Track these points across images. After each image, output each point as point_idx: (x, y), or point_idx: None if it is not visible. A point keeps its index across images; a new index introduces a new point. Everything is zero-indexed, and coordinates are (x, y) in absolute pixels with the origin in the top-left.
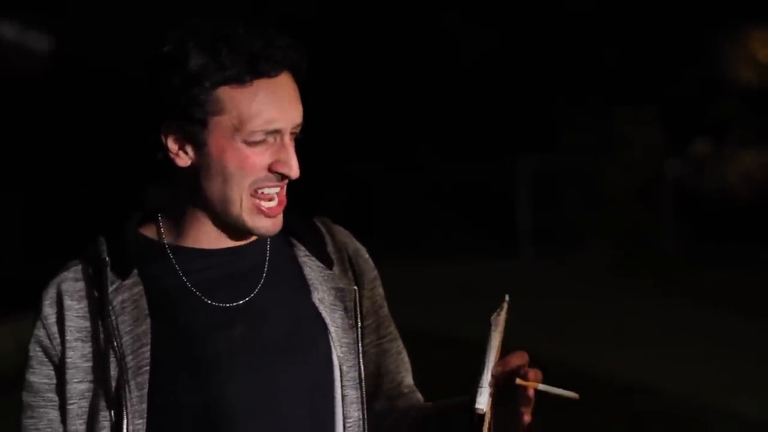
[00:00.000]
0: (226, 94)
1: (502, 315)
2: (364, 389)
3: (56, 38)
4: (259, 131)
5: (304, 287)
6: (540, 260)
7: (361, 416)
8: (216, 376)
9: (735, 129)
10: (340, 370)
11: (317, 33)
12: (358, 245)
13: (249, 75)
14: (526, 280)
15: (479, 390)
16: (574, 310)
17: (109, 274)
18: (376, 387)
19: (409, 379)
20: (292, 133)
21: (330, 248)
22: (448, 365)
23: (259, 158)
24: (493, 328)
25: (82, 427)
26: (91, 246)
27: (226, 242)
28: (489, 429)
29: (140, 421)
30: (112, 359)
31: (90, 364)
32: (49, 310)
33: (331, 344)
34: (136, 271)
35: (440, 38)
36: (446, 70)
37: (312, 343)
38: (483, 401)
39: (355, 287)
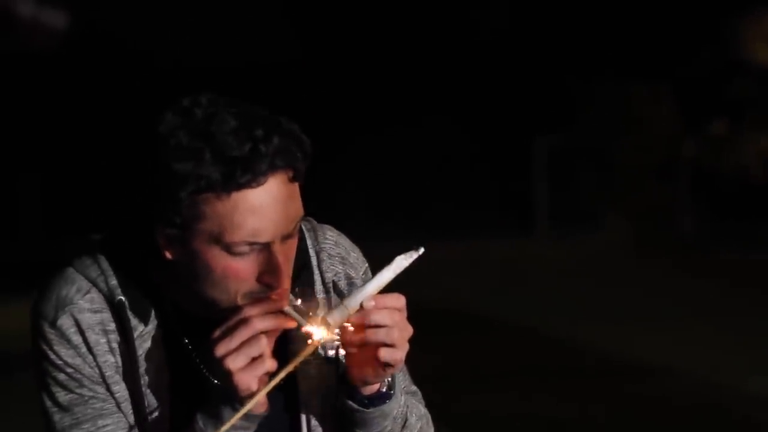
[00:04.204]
0: (206, 202)
1: (407, 261)
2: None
3: (73, 16)
4: (241, 243)
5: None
6: (556, 239)
7: None
8: None
9: (751, 109)
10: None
11: (334, 14)
12: (350, 267)
13: (227, 188)
14: (542, 258)
15: (338, 307)
16: (590, 288)
17: (131, 317)
18: None
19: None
20: (287, 236)
21: (326, 286)
22: (465, 341)
23: (245, 267)
24: (392, 266)
25: None
26: (101, 271)
27: (216, 311)
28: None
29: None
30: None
31: (126, 401)
32: (76, 338)
33: (299, 401)
34: (153, 315)
35: (457, 17)
36: (462, 49)
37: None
38: (335, 318)
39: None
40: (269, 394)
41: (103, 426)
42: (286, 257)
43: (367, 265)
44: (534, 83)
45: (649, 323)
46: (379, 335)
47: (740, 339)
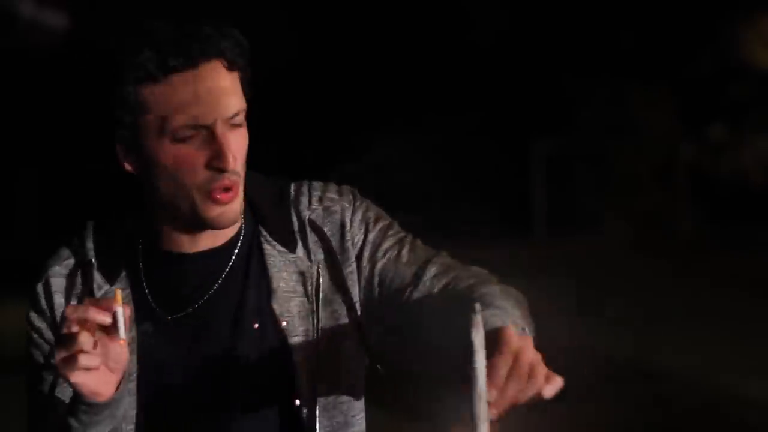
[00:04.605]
0: (146, 92)
1: (481, 330)
2: (322, 378)
3: (73, 15)
4: (184, 127)
5: (265, 278)
6: (554, 242)
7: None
8: (168, 391)
9: (750, 112)
10: (293, 360)
11: (334, 9)
12: (328, 195)
13: (160, 71)
14: (540, 261)
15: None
16: (589, 291)
17: (97, 277)
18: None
19: (430, 270)
20: (233, 124)
21: (295, 225)
22: None
23: (192, 154)
24: (476, 345)
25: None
26: (79, 237)
27: (199, 245)
28: None
29: (130, 426)
30: None
31: None
32: (44, 302)
33: (286, 336)
34: (124, 273)
35: (457, 19)
36: (461, 52)
37: (261, 342)
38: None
39: (316, 267)
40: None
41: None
42: (234, 143)
43: (351, 195)
44: (533, 86)
45: (647, 326)
46: (526, 391)
47: (738, 341)
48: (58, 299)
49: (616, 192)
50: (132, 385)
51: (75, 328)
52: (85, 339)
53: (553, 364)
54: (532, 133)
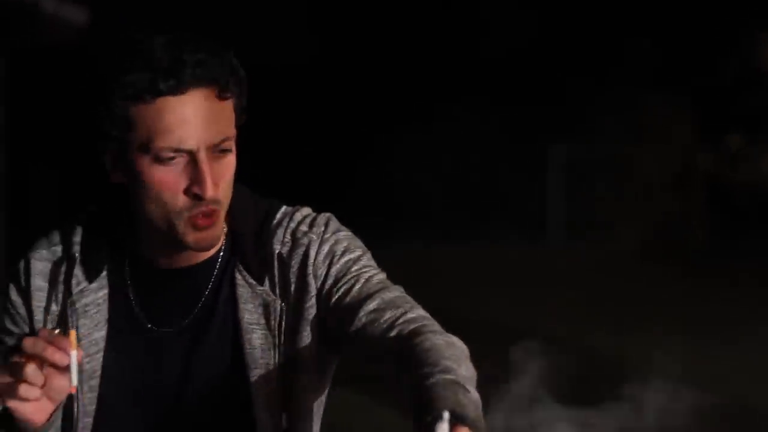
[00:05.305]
0: (134, 111)
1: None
2: (281, 411)
3: (94, 10)
4: (166, 149)
5: (232, 308)
6: (571, 248)
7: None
8: (127, 396)
9: None
10: (252, 392)
11: (352, 13)
12: (300, 228)
13: (150, 94)
14: (556, 267)
15: None
16: (604, 298)
17: (78, 273)
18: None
19: (369, 305)
20: (220, 151)
21: (267, 258)
22: (481, 349)
23: (171, 177)
24: None
25: None
26: (69, 227)
27: (179, 261)
28: None
29: (88, 419)
30: None
31: None
32: (22, 281)
33: (247, 367)
34: (105, 272)
35: (477, 26)
36: (480, 54)
37: (227, 370)
38: None
39: (280, 301)
40: None
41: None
42: (216, 172)
43: (323, 227)
44: (552, 91)
45: (662, 333)
46: None
47: (749, 351)
48: (38, 282)
49: (632, 200)
50: (94, 383)
51: (26, 359)
52: (32, 371)
53: (566, 369)
54: (550, 137)
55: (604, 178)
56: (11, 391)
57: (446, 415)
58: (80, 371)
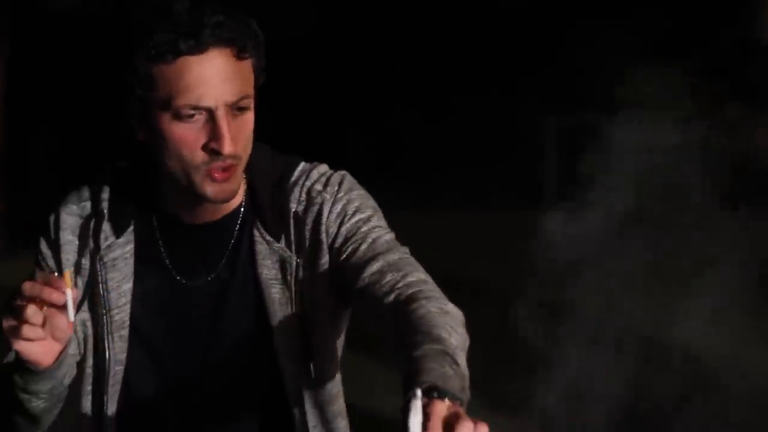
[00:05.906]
0: (156, 71)
1: (419, 414)
2: (307, 360)
3: None
4: (186, 107)
5: (251, 264)
6: (565, 213)
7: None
8: (172, 348)
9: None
10: (276, 344)
11: None
12: (315, 187)
13: (171, 54)
14: (550, 232)
15: None
16: (597, 262)
17: (106, 228)
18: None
19: (373, 266)
20: (238, 109)
21: (284, 215)
22: (478, 314)
23: (191, 134)
24: (411, 429)
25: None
26: (99, 183)
27: (202, 216)
28: None
29: (120, 367)
30: (101, 311)
31: (83, 299)
32: (53, 232)
33: (269, 318)
34: (131, 228)
35: None
36: (481, 25)
37: (251, 323)
38: None
39: (297, 257)
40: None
41: None
42: (235, 128)
43: (337, 186)
44: (548, 61)
45: (652, 295)
46: None
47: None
48: (67, 236)
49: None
50: (124, 332)
51: (26, 302)
52: (32, 312)
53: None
54: (546, 108)
55: (596, 145)
56: (16, 334)
57: (419, 392)
58: (79, 309)
